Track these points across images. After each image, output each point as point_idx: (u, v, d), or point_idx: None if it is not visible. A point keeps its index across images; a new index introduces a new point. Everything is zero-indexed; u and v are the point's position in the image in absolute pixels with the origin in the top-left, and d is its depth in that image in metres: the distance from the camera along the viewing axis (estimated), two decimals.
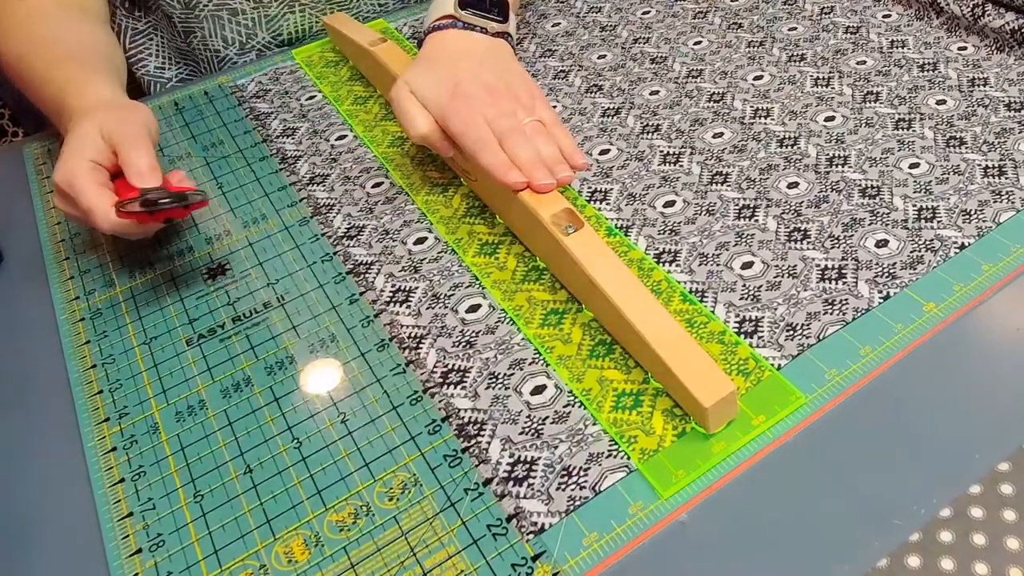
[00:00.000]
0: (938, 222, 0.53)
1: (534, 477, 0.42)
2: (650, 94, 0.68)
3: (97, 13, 0.73)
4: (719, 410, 0.41)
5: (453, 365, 0.48)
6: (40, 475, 0.46)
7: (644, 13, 0.79)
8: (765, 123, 0.63)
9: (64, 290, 0.57)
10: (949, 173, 0.56)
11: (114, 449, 0.46)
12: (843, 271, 0.50)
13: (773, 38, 0.73)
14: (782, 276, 0.50)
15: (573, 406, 0.45)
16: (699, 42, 0.74)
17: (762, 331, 0.47)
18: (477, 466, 0.43)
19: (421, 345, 0.49)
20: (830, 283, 0.50)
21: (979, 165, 0.56)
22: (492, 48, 0.62)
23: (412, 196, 0.61)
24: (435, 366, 0.48)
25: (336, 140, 0.68)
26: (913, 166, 0.57)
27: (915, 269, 0.50)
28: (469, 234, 0.57)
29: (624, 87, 0.69)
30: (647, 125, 0.65)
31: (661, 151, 0.62)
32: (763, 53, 0.71)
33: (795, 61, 0.70)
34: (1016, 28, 0.66)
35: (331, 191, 0.62)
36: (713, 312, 0.49)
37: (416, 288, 0.53)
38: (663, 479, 0.40)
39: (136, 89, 0.92)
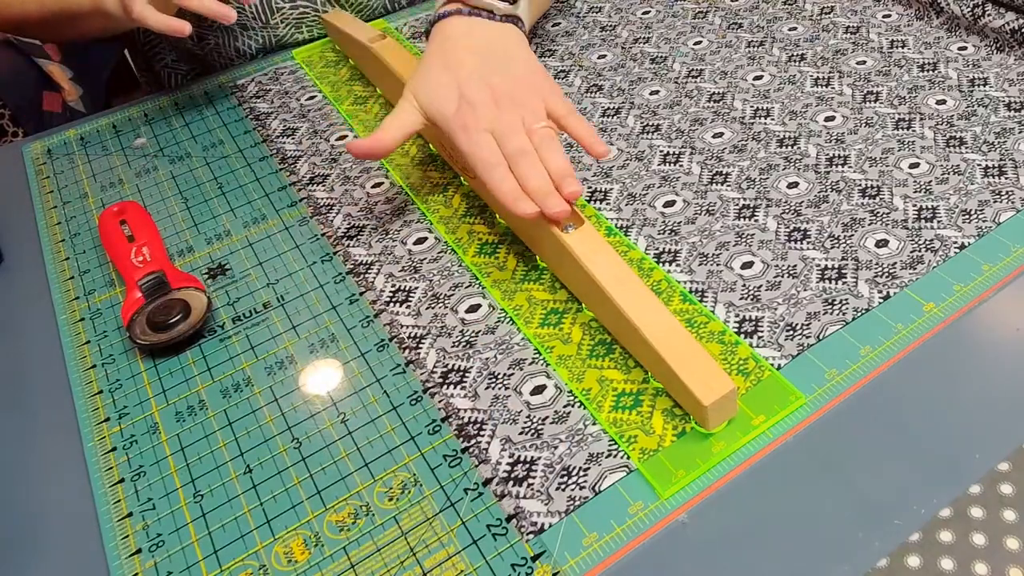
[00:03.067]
0: (938, 222, 0.53)
1: (534, 477, 0.42)
2: (650, 94, 0.68)
3: None
4: (719, 408, 0.41)
5: (453, 365, 0.48)
6: (40, 475, 0.46)
7: (644, 13, 0.79)
8: (765, 123, 0.63)
9: (64, 290, 0.57)
10: (949, 173, 0.56)
11: (114, 449, 0.46)
12: (843, 271, 0.50)
13: (773, 38, 0.73)
14: (782, 276, 0.50)
15: (573, 406, 0.45)
16: (699, 42, 0.74)
17: (762, 331, 0.47)
18: (477, 466, 0.42)
19: (421, 345, 0.49)
20: (830, 283, 0.50)
21: (979, 165, 0.56)
22: (499, 38, 0.58)
23: (412, 196, 0.61)
24: (435, 366, 0.48)
25: (336, 140, 0.68)
26: (913, 166, 0.57)
27: (915, 269, 0.50)
28: (469, 234, 0.57)
29: (624, 87, 0.69)
30: (647, 125, 0.65)
31: (661, 151, 0.62)
32: (763, 53, 0.71)
33: (795, 61, 0.70)
34: (1016, 28, 0.66)
35: (331, 191, 0.62)
36: (713, 312, 0.49)
37: (416, 288, 0.53)
38: (663, 479, 0.40)
39: (155, 80, 0.93)
